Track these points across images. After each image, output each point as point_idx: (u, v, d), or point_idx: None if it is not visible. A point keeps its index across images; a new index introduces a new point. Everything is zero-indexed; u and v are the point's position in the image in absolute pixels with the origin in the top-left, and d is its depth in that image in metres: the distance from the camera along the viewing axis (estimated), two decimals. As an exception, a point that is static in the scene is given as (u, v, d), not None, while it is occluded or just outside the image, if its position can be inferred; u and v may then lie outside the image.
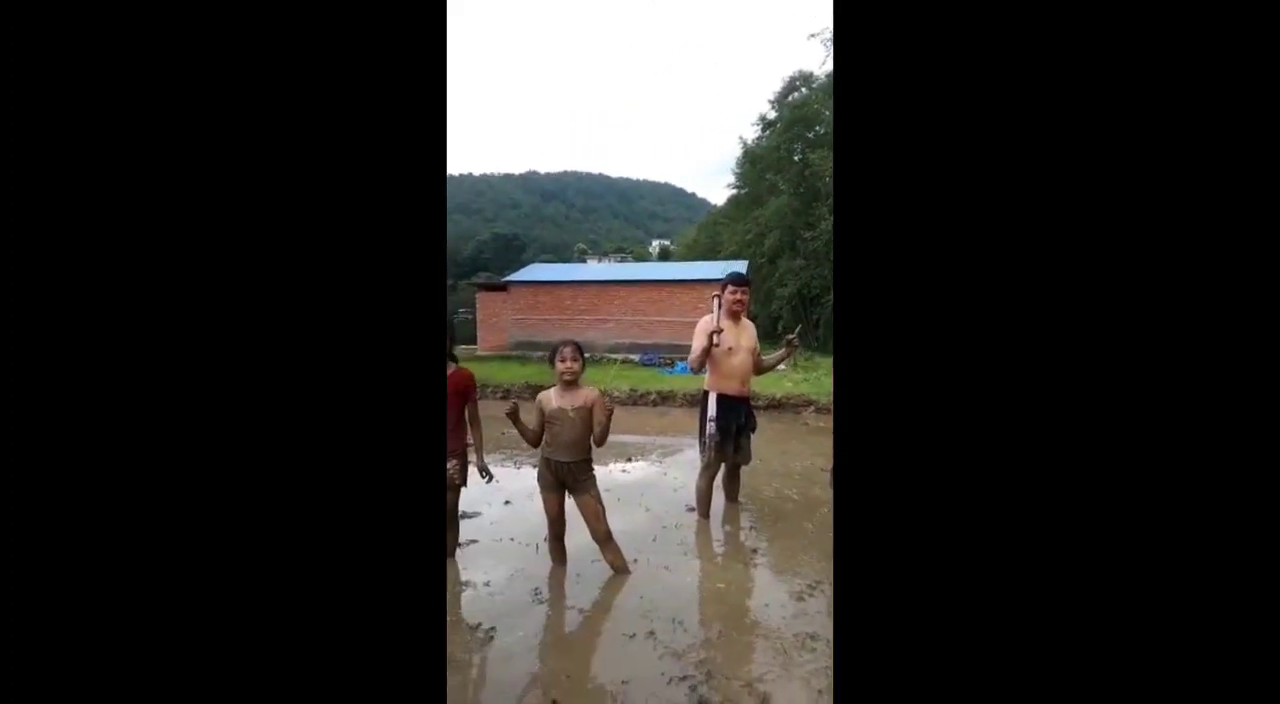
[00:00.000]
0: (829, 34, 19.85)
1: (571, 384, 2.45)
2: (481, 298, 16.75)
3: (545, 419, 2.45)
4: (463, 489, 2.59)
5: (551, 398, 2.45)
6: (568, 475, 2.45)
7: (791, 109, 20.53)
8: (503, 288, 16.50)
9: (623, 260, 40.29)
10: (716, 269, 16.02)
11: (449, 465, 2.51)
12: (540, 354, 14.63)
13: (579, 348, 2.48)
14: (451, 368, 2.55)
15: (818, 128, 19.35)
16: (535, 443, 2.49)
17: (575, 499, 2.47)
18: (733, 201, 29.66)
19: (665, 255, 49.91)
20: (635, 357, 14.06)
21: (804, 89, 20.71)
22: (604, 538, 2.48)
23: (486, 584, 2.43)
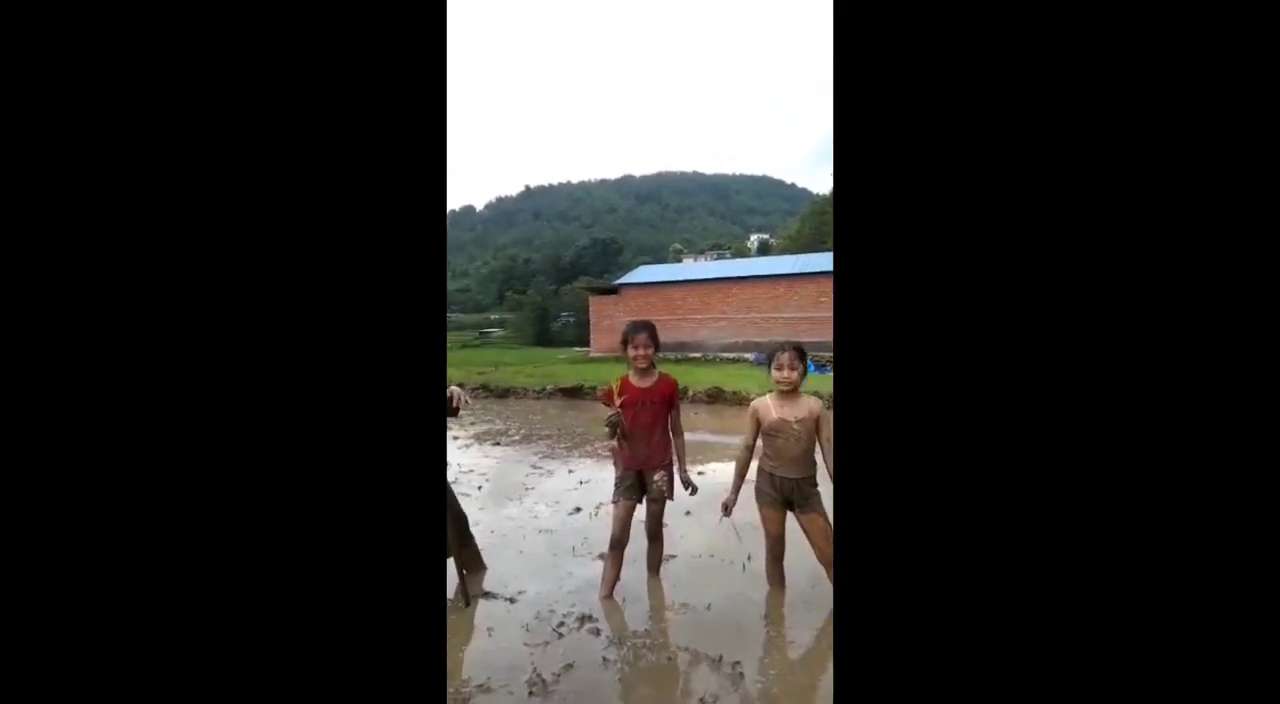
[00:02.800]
0: None
1: (790, 393, 2.21)
2: (594, 301, 17.10)
3: (763, 431, 2.22)
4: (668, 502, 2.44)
5: (770, 408, 2.22)
6: (795, 492, 2.20)
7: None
8: (614, 291, 16.73)
9: (719, 257, 39.77)
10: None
11: (656, 478, 2.36)
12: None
13: (800, 353, 2.22)
14: (656, 375, 2.40)
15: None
16: (747, 460, 2.29)
17: (801, 518, 2.21)
18: (840, 189, 27.99)
19: (765, 250, 48.71)
20: (749, 356, 13.61)
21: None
22: (833, 560, 2.20)
23: (707, 607, 2.24)
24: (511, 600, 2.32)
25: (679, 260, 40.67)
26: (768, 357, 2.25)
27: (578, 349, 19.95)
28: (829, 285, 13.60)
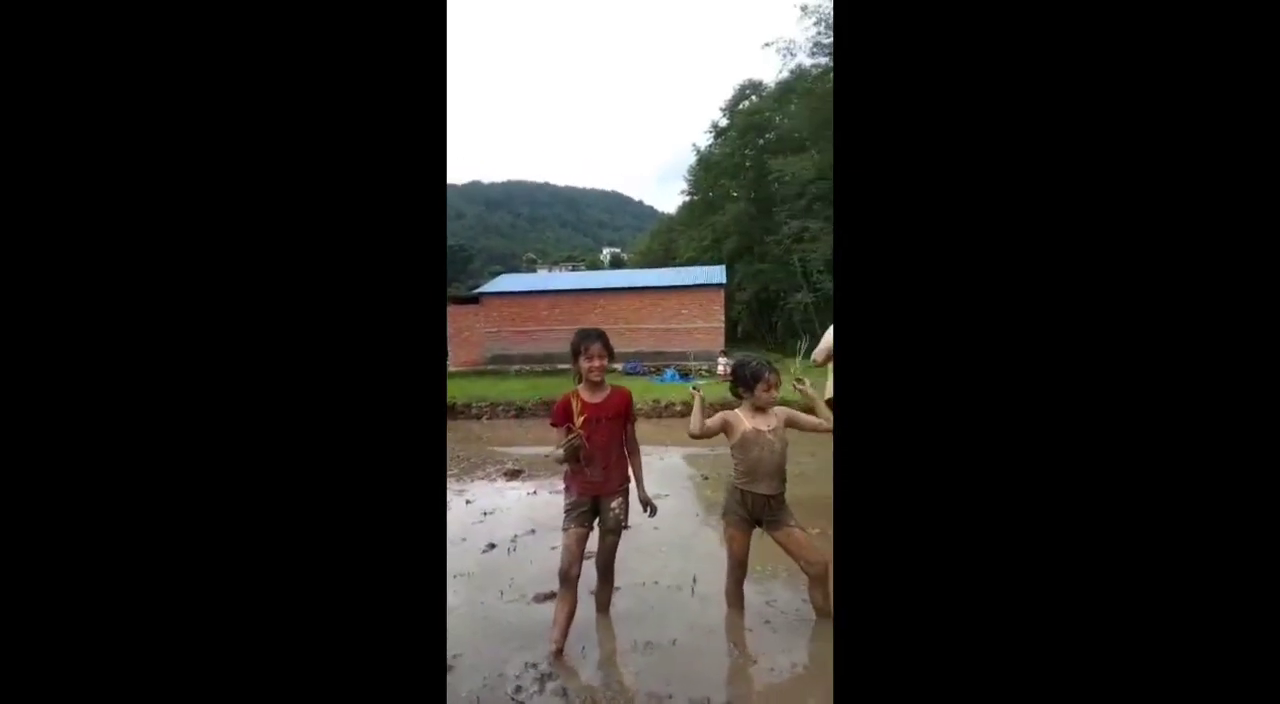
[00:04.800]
0: (783, 44, 20.37)
1: (761, 407, 2.14)
2: (452, 311, 15.91)
3: (737, 444, 2.12)
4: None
5: (743, 420, 2.13)
6: (764, 511, 2.12)
7: (744, 116, 20.87)
8: (474, 300, 15.77)
9: (574, 269, 39.89)
10: (696, 275, 15.91)
11: (613, 505, 2.13)
12: (519, 367, 14.02)
13: (776, 371, 2.16)
14: (608, 388, 2.17)
15: (769, 134, 19.75)
16: (701, 426, 2.11)
17: (777, 535, 2.12)
18: (686, 208, 29.88)
19: (618, 263, 49.81)
20: (618, 366, 13.67)
21: (754, 97, 21.14)
22: (824, 569, 2.08)
23: (673, 644, 2.06)
24: (448, 667, 1.92)
25: (533, 270, 39.97)
26: (747, 375, 2.14)
27: (430, 363, 18.38)
28: (688, 298, 14.22)
